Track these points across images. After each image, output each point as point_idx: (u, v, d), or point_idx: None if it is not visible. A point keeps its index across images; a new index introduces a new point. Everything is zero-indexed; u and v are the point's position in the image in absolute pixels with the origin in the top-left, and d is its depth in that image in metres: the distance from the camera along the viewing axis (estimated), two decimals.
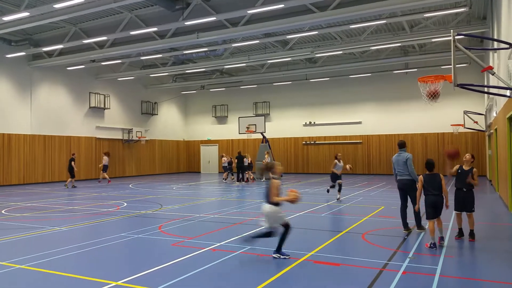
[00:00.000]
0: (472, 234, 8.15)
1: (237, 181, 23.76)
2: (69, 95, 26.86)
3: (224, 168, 25.31)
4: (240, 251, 7.36)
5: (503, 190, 13.45)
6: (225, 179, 25.09)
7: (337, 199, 14.52)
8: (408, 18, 18.31)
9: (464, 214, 8.26)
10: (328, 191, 15.82)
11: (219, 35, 18.44)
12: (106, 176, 24.13)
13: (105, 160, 24.03)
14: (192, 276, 5.99)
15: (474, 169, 8.22)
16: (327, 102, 31.54)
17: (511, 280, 5.78)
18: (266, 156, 24.90)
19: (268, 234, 6.97)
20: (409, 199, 9.04)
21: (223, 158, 25.42)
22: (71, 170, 21.77)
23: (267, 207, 6.91)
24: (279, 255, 6.91)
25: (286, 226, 6.98)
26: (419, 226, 9.04)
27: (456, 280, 5.76)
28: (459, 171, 8.35)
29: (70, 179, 21.84)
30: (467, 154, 8.48)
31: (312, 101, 32.05)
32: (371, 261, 6.71)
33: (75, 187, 21.66)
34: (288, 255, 6.90)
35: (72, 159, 21.98)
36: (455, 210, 8.36)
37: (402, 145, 9.32)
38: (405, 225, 8.95)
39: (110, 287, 5.52)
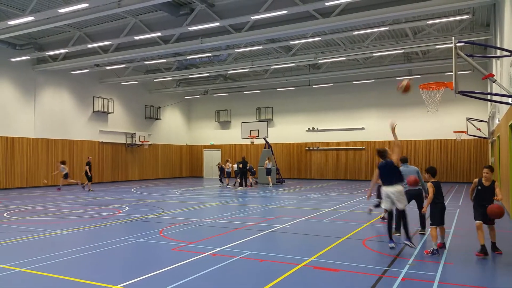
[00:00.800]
0: (495, 247, 7.71)
1: (240, 186, 23.76)
2: (73, 99, 27.01)
3: (227, 174, 25.24)
4: (240, 256, 7.37)
5: (505, 198, 13.39)
6: (228, 184, 25.11)
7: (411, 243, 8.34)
8: (411, 24, 18.34)
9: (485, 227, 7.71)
10: (370, 210, 11.76)
11: (222, 40, 18.55)
12: (72, 181, 23.04)
13: (62, 168, 22.33)
14: (191, 280, 6.00)
15: (496, 183, 7.67)
16: (330, 108, 31.57)
17: (511, 287, 5.77)
18: (266, 162, 24.96)
19: (391, 218, 7.95)
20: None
21: (227, 164, 25.38)
22: (86, 174, 22.10)
23: (394, 188, 7.69)
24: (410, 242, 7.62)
25: (404, 212, 7.77)
26: (424, 227, 9.34)
27: (455, 287, 5.75)
28: (479, 187, 7.70)
29: (87, 183, 22.12)
30: (485, 169, 7.67)
31: (315, 106, 32.09)
32: (370, 267, 6.70)
33: (83, 188, 21.98)
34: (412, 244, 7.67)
35: (88, 163, 22.36)
36: (476, 220, 7.69)
37: (406, 160, 9.76)
38: (398, 228, 9.02)
39: None
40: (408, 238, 7.69)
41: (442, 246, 7.77)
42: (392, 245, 7.76)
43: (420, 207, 9.18)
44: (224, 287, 5.78)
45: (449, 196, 18.32)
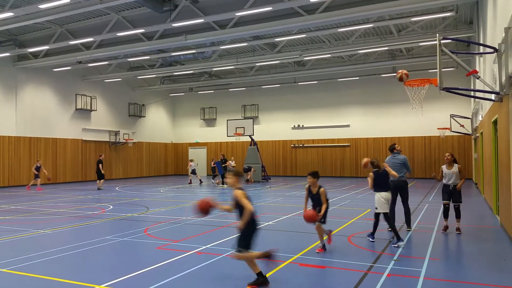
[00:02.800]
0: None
1: (223, 184, 23.66)
2: (55, 97, 26.54)
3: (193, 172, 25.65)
4: (226, 254, 7.30)
5: (488, 193, 13.58)
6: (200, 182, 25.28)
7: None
8: (395, 22, 18.44)
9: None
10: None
11: (207, 37, 18.39)
12: None
13: None
14: (176, 279, 5.91)
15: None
16: (315, 105, 31.64)
17: (495, 282, 5.82)
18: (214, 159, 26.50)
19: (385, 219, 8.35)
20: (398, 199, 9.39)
21: (191, 163, 25.97)
22: (99, 171, 21.73)
23: (386, 194, 8.26)
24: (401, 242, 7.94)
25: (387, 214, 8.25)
26: (409, 225, 9.49)
27: (440, 283, 5.77)
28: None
29: (98, 181, 21.76)
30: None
31: (301, 104, 32.13)
32: (356, 264, 6.70)
33: (100, 189, 21.55)
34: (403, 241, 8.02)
35: (100, 161, 21.97)
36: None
37: (393, 149, 9.72)
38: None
39: None
40: (399, 239, 8.01)
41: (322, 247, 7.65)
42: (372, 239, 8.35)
43: (405, 199, 9.41)
44: (210, 285, 5.70)
45: (433, 193, 18.52)
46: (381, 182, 8.33)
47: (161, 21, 17.96)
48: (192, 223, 10.83)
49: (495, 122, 10.89)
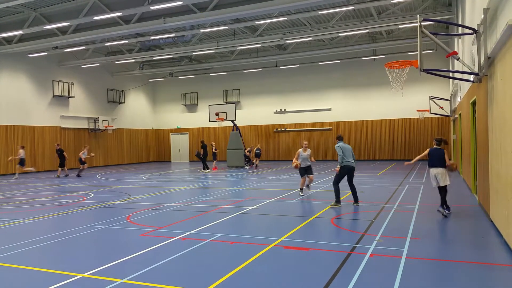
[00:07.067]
0: None
1: (203, 170, 23.52)
2: (31, 84, 25.87)
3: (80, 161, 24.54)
4: (211, 239, 7.29)
5: (467, 173, 13.86)
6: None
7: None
8: (376, 4, 18.44)
9: None
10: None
11: (186, 20, 18.09)
12: (28, 169, 22.71)
13: (22, 153, 21.43)
14: (161, 265, 5.88)
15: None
16: (297, 89, 31.64)
17: (475, 259, 5.96)
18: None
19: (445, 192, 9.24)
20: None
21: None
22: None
23: (441, 169, 9.05)
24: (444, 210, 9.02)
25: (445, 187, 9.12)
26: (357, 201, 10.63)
27: (422, 261, 5.89)
28: None
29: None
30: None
31: (283, 88, 32.08)
32: (339, 245, 6.78)
33: (67, 175, 22.23)
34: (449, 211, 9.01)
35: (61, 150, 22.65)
36: None
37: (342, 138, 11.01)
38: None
39: (76, 279, 5.34)
40: (442, 206, 9.12)
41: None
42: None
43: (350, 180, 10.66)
44: (195, 270, 5.69)
45: (413, 174, 18.83)
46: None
47: (138, 4, 17.56)
48: (175, 209, 10.78)
49: (473, 103, 11.05)
